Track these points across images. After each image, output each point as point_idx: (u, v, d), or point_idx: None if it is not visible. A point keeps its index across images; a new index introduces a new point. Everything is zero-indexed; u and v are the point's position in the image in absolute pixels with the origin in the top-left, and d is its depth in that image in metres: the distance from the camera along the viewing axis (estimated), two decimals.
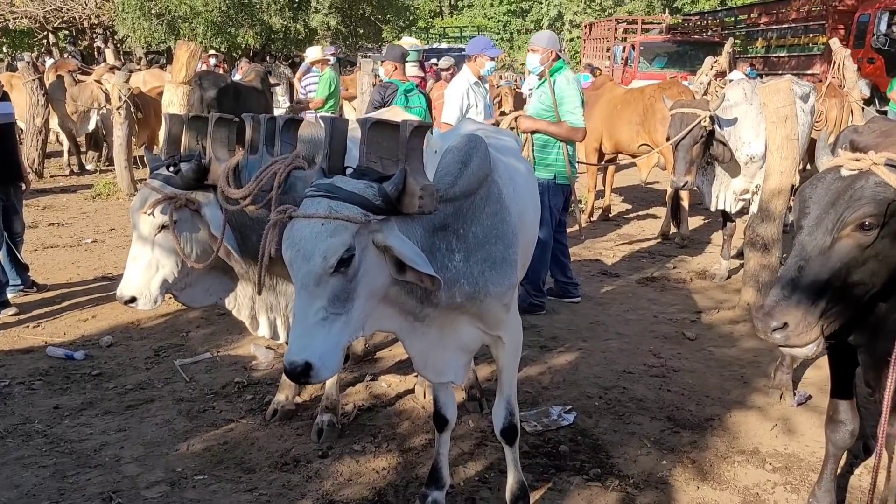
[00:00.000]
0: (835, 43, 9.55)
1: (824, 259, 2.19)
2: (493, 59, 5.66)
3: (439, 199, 2.12)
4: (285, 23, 17.91)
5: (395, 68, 6.52)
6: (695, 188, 5.82)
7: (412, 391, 4.03)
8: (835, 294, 2.20)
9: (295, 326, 1.95)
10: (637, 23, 20.30)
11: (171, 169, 2.83)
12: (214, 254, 2.83)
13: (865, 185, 2.23)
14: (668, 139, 5.65)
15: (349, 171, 2.14)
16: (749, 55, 19.69)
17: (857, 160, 2.32)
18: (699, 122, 5.36)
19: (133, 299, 2.87)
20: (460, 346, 2.57)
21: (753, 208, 5.61)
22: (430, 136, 3.92)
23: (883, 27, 15.64)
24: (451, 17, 44.55)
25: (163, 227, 2.82)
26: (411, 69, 7.57)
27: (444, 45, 27.21)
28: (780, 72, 18.16)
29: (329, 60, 9.22)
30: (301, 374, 1.90)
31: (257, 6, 17.17)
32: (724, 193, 5.81)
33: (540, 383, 4.16)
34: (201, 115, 3.14)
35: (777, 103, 4.97)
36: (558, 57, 5.24)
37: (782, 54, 18.81)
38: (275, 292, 3.14)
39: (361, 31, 21.34)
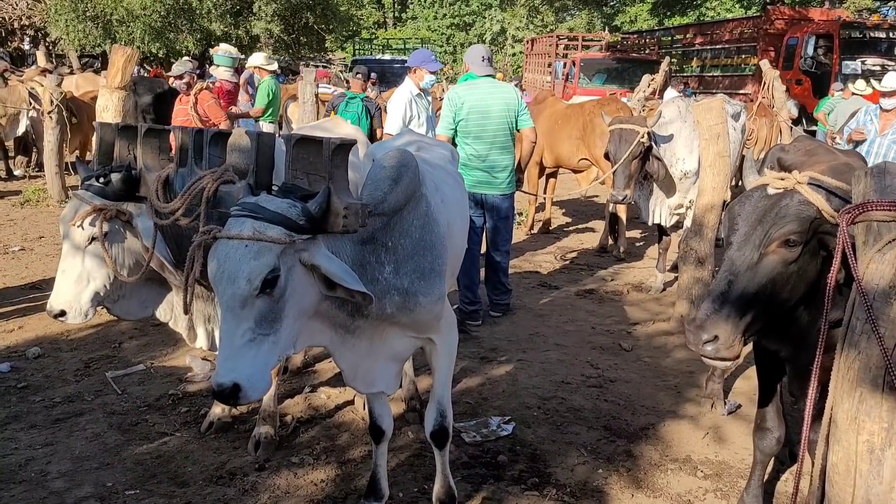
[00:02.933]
0: (765, 64, 9.95)
1: (752, 274, 2.28)
2: (432, 72, 5.71)
3: (368, 213, 2.11)
4: (226, 29, 17.68)
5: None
6: (632, 202, 5.96)
7: (352, 402, 4.00)
8: (761, 307, 2.30)
9: (222, 348, 1.92)
10: (578, 39, 20.72)
11: (102, 180, 2.76)
12: (146, 266, 2.77)
13: (790, 203, 2.34)
14: (606, 155, 5.79)
15: (275, 188, 2.11)
16: (685, 74, 20.34)
17: (783, 179, 2.44)
18: (639, 139, 5.51)
19: (63, 313, 2.79)
20: (391, 356, 2.59)
21: (687, 223, 5.78)
22: (368, 145, 3.94)
23: (810, 50, 16.39)
24: (395, 28, 44.65)
25: (93, 238, 2.75)
26: (224, 73, 8.40)
27: (387, 57, 27.28)
28: (713, 91, 18.81)
29: (269, 69, 9.11)
30: (229, 395, 1.88)
31: (197, 11, 16.90)
32: (660, 208, 5.97)
33: (479, 394, 4.19)
34: (133, 124, 3.07)
35: (710, 121, 5.14)
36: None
37: (716, 74, 19.50)
38: (212, 302, 3.09)
39: (304, 40, 21.22)
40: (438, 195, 2.66)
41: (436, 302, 2.54)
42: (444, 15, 42.71)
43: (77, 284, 2.80)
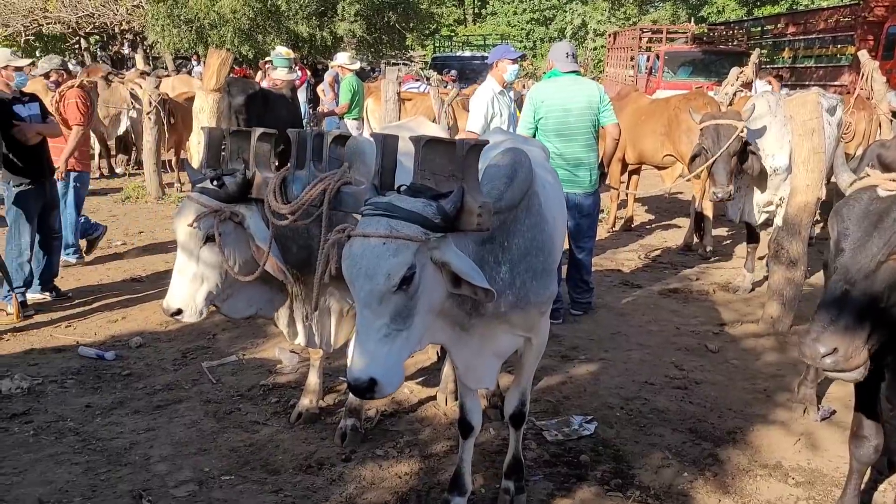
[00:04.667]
0: (863, 55, 9.46)
1: (869, 283, 2.18)
2: (514, 61, 5.67)
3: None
4: (311, 30, 18.10)
5: None
6: (734, 198, 5.79)
7: (434, 398, 4.07)
8: (880, 317, 2.20)
9: (358, 343, 2.00)
10: (662, 32, 20.22)
11: (216, 182, 2.87)
12: (261, 266, 2.84)
13: None
14: (698, 152, 5.66)
15: (402, 188, 2.17)
16: (776, 65, 19.57)
17: (895, 180, 2.31)
18: (738, 133, 5.38)
19: (179, 311, 2.90)
20: (497, 353, 2.68)
21: (778, 221, 5.59)
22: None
23: None
24: (475, 24, 44.64)
25: (207, 239, 2.85)
26: (281, 73, 9.13)
27: (467, 53, 27.33)
28: (807, 82, 18.02)
29: (352, 67, 9.36)
30: (366, 390, 1.96)
31: (284, 14, 17.37)
32: (749, 205, 5.79)
33: (561, 393, 4.18)
34: (241, 129, 3.20)
35: (804, 116, 4.96)
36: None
37: (809, 64, 18.65)
38: (311, 301, 3.19)
39: (386, 39, 21.50)
40: (544, 195, 2.69)
41: (546, 301, 2.63)
42: (525, 10, 42.43)
43: (192, 284, 2.90)
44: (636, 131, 7.89)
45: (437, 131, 4.35)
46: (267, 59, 13.58)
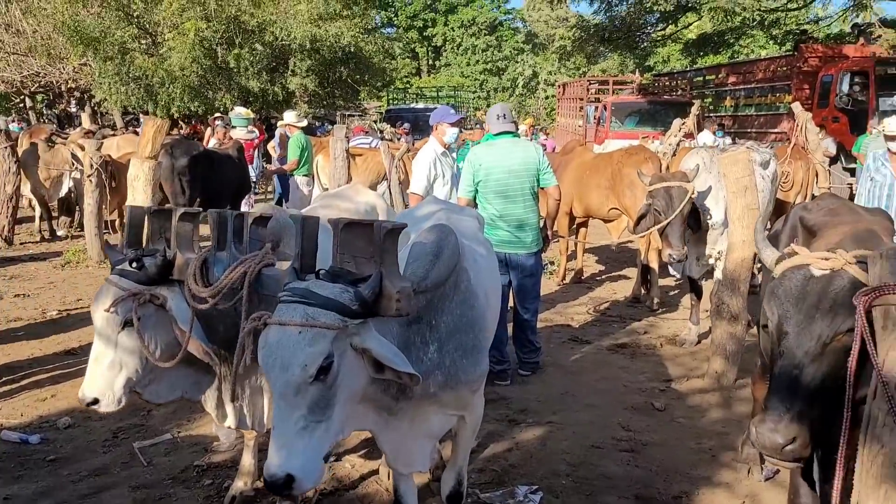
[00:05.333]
0: (797, 106, 9.82)
1: (817, 366, 2.16)
2: (452, 124, 5.72)
3: (413, 295, 2.11)
4: (263, 85, 18.13)
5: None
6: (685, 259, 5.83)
7: (377, 472, 3.95)
8: (827, 398, 2.18)
9: (274, 437, 1.92)
10: (608, 83, 20.75)
11: (135, 264, 2.77)
12: (183, 350, 2.74)
13: (845, 285, 2.20)
14: (646, 212, 5.73)
15: (322, 272, 2.12)
16: (719, 114, 20.19)
17: (827, 259, 2.28)
18: (690, 196, 5.49)
19: (96, 401, 2.76)
20: (429, 434, 2.60)
21: (717, 274, 5.67)
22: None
23: (846, 87, 16.13)
24: (430, 76, 45.39)
25: (126, 324, 2.74)
26: (240, 133, 9.72)
27: (420, 105, 27.66)
28: (748, 129, 18.64)
29: (299, 125, 9.39)
30: (283, 486, 1.88)
31: (234, 70, 17.38)
32: (689, 260, 5.86)
33: (507, 460, 4.10)
34: (164, 207, 3.12)
35: (736, 174, 5.06)
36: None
37: (750, 113, 19.31)
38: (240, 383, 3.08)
39: (339, 93, 21.65)
40: (476, 268, 2.65)
41: (478, 378, 2.56)
42: (478, 61, 43.34)
43: (110, 371, 2.77)
44: (581, 185, 7.99)
45: (375, 199, 4.32)
46: (216, 115, 13.56)
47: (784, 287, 2.32)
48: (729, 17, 14.82)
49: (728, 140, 14.98)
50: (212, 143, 11.37)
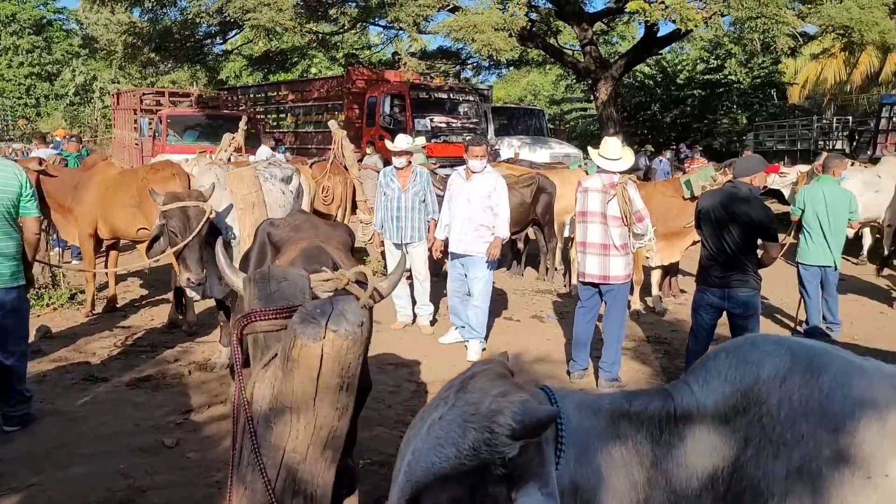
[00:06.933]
0: (332, 124, 10.39)
1: None
2: None
3: None
4: None
5: None
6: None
7: None
8: None
9: None
10: (164, 94, 19.74)
11: None
12: None
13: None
14: (160, 233, 5.31)
15: None
16: (282, 130, 20.73)
17: (328, 280, 2.26)
18: (208, 216, 5.18)
19: None
20: None
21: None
22: None
23: (388, 108, 17.84)
24: None
25: None
26: None
27: None
28: (309, 146, 19.44)
29: None
30: None
31: None
32: (210, 281, 5.61)
33: None
34: None
35: (243, 191, 4.98)
36: None
37: (309, 130, 20.20)
38: None
39: None
40: None
41: None
42: (22, 63, 37.98)
43: None
44: (106, 204, 7.24)
45: None
46: None
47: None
48: (272, 37, 15.19)
49: (289, 155, 15.37)
50: None
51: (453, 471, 1.27)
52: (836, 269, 6.89)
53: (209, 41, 19.04)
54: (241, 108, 19.78)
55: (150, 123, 17.51)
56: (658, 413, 1.49)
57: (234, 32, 18.32)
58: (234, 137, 11.20)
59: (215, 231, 5.46)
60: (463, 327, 6.55)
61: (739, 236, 4.91)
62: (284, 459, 1.56)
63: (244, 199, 4.95)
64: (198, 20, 14.10)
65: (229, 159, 9.80)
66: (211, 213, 5.30)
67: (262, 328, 1.69)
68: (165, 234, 5.39)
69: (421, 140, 12.43)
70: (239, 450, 1.64)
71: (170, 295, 8.27)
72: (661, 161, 16.70)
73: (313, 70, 34.29)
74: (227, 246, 5.62)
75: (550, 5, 17.87)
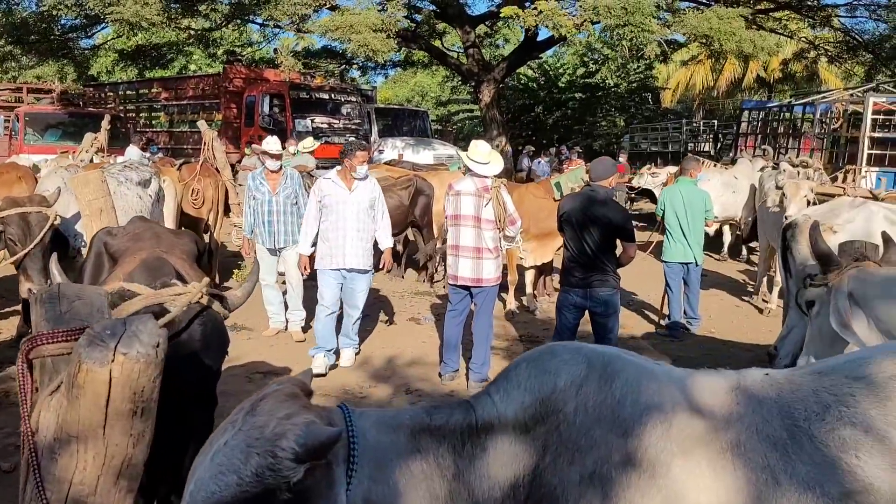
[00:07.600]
0: (202, 124, 9.99)
1: None
2: None
3: None
4: None
5: None
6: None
7: None
8: None
9: None
10: (22, 90, 18.43)
11: None
12: None
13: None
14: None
15: None
16: (155, 129, 19.82)
17: (181, 294, 2.12)
18: (52, 222, 4.83)
19: None
20: None
21: None
22: None
23: (267, 108, 17.40)
24: None
25: None
26: None
27: None
28: (184, 147, 18.67)
29: None
30: None
31: None
32: None
33: None
34: None
35: (88, 196, 4.68)
36: None
37: (185, 129, 19.39)
38: None
39: None
40: None
41: None
42: None
43: None
44: None
45: None
46: None
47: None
48: (137, 32, 14.48)
49: (158, 156, 14.66)
50: None
51: (234, 499, 1.21)
52: (697, 265, 7.26)
53: (74, 35, 17.92)
54: (109, 105, 18.72)
55: (6, 121, 16.31)
56: (460, 425, 1.48)
57: (101, 26, 17.31)
58: (96, 137, 10.60)
59: (61, 239, 5.12)
60: (330, 350, 6.16)
61: (599, 237, 5.05)
62: (71, 493, 1.43)
63: (90, 205, 4.63)
64: (55, 13, 13.19)
65: (91, 160, 9.27)
66: (56, 219, 4.96)
67: (48, 351, 1.54)
68: (4, 242, 5.00)
69: (310, 142, 12.16)
70: (23, 484, 1.50)
71: (19, 307, 7.71)
72: (539, 162, 17.15)
73: (192, 67, 33.00)
74: (79, 254, 5.29)
75: (433, 7, 17.96)
